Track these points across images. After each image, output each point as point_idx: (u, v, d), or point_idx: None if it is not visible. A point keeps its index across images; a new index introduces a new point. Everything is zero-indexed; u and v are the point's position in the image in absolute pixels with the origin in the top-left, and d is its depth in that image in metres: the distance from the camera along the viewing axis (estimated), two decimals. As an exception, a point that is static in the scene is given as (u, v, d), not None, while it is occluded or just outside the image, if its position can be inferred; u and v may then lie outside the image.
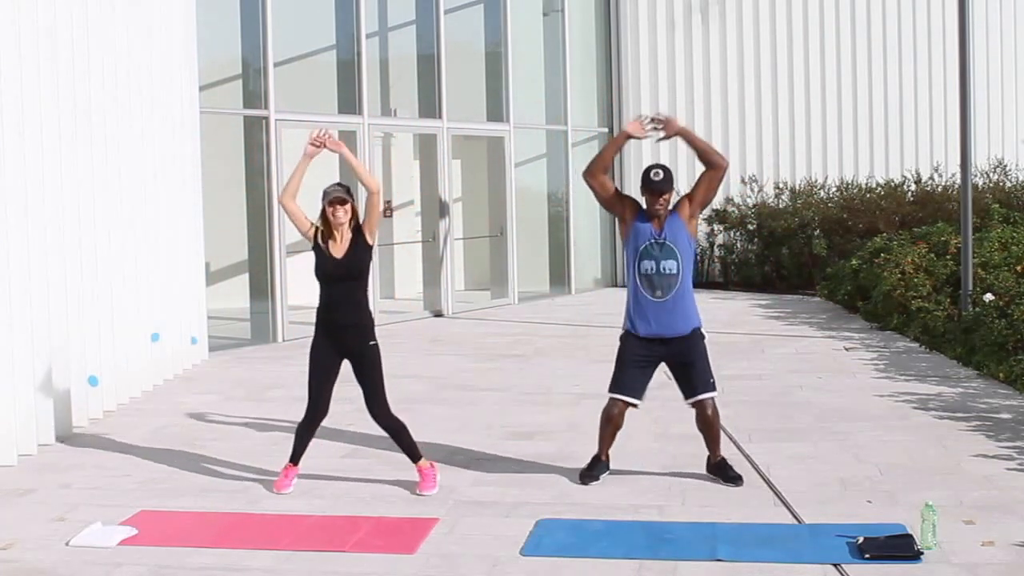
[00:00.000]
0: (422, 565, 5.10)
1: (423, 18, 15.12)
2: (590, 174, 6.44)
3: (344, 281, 6.31)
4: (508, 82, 16.02)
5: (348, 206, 6.28)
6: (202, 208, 11.02)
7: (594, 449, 6.50)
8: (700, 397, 6.28)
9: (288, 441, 7.48)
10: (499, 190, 16.10)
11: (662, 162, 6.28)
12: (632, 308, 6.30)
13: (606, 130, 18.10)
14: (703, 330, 6.37)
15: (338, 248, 6.31)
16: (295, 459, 6.48)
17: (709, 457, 6.46)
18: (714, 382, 6.35)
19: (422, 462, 6.41)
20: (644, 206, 6.27)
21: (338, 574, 5.02)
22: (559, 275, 17.23)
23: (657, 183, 6.14)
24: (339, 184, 6.46)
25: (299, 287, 12.54)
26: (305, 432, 6.47)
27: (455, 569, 5.04)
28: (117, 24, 9.11)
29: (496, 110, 16.10)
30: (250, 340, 12.32)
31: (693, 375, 6.28)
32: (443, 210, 14.91)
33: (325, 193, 6.35)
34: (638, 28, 17.94)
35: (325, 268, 6.32)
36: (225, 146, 12.79)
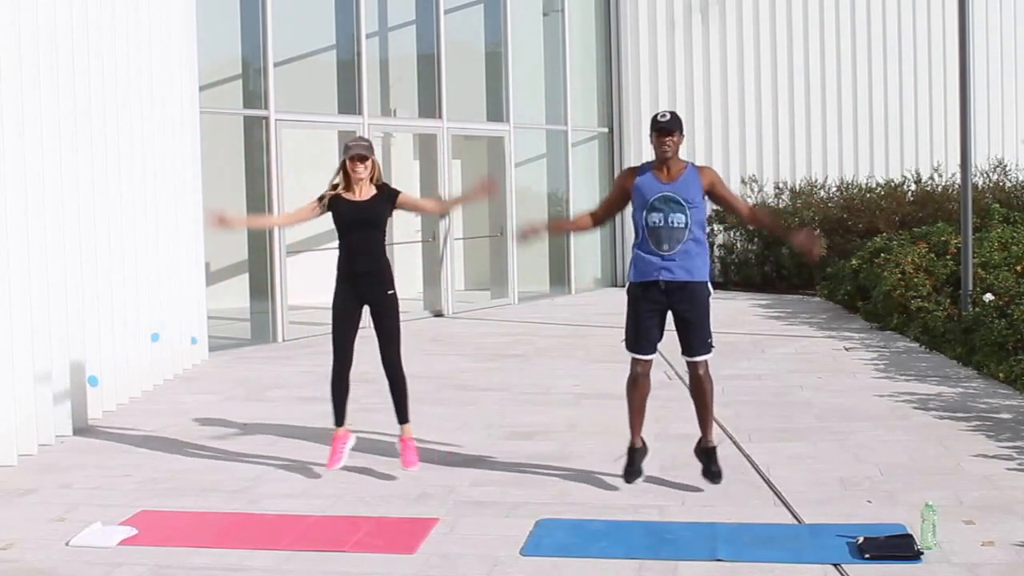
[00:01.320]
0: (422, 565, 5.10)
1: (423, 18, 15.13)
2: (595, 226, 6.65)
3: (363, 229, 6.39)
4: (508, 82, 16.03)
5: (368, 163, 6.39)
6: (202, 208, 11.01)
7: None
8: (696, 359, 6.23)
9: (288, 441, 7.52)
10: (499, 190, 16.08)
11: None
12: (637, 260, 6.21)
13: (606, 130, 18.11)
14: (711, 286, 6.28)
15: (358, 197, 6.40)
16: (339, 421, 6.57)
17: (700, 439, 6.39)
18: (711, 343, 6.26)
19: (407, 430, 6.55)
20: (644, 163, 6.27)
21: (338, 574, 5.02)
22: (559, 275, 17.24)
23: (664, 123, 6.10)
24: (361, 138, 6.57)
25: (299, 287, 12.58)
26: (338, 388, 6.54)
27: (455, 569, 5.04)
28: (117, 24, 9.11)
29: (496, 110, 16.11)
30: (250, 340, 12.33)
31: (692, 333, 6.19)
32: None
33: (347, 147, 6.42)
34: (638, 28, 17.94)
35: (346, 214, 6.39)
36: (225, 146, 12.79)
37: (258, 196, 12.39)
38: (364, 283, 6.43)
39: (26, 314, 7.29)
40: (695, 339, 6.21)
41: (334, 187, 6.46)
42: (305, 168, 13.07)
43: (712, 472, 6.29)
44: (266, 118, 12.28)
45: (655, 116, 6.18)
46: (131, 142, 9.30)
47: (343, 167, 6.41)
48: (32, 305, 7.37)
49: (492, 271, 16.32)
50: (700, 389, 6.29)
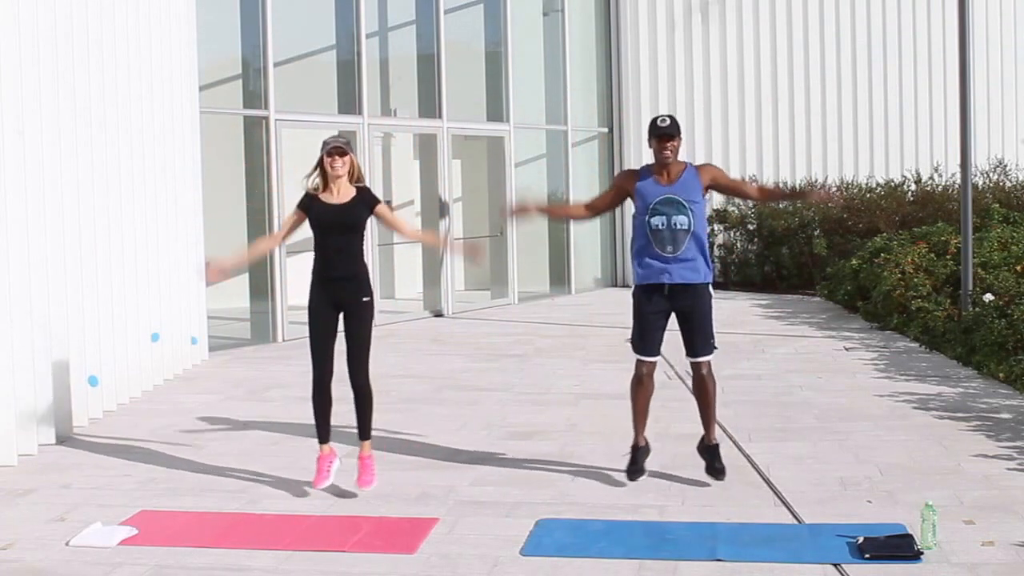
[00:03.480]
0: (422, 565, 5.10)
1: (423, 18, 15.13)
2: (589, 216, 6.75)
3: (341, 233, 6.19)
4: (508, 82, 16.03)
5: (347, 158, 6.19)
6: (202, 208, 11.02)
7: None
8: (699, 359, 6.29)
9: (288, 441, 7.52)
10: (499, 190, 16.10)
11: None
12: (640, 264, 6.24)
13: (606, 130, 18.11)
14: (711, 288, 6.31)
15: (335, 199, 6.22)
16: (324, 438, 6.30)
17: (704, 437, 6.43)
18: (714, 343, 6.33)
19: (367, 447, 6.29)
20: (644, 166, 6.28)
21: (338, 574, 5.02)
22: (559, 275, 17.24)
23: (665, 128, 6.12)
24: (339, 136, 6.37)
25: (299, 287, 12.54)
26: (320, 401, 6.27)
27: (455, 569, 5.04)
28: (117, 24, 9.11)
29: (496, 110, 16.11)
30: (250, 340, 12.33)
31: (695, 333, 6.25)
32: (443, 210, 14.92)
33: (324, 143, 6.24)
34: (638, 28, 17.94)
35: (322, 216, 6.19)
36: (225, 146, 12.79)
37: (258, 196, 12.40)
38: (340, 288, 6.20)
39: (26, 314, 7.29)
40: (698, 340, 6.26)
41: (314, 189, 6.26)
42: (305, 168, 13.04)
43: (716, 469, 6.33)
44: (266, 118, 12.28)
45: (654, 121, 6.19)
46: (131, 142, 9.30)
47: (320, 164, 6.22)
48: (32, 305, 7.37)
49: (492, 271, 16.32)
50: (703, 389, 6.36)
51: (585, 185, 17.57)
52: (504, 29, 16.06)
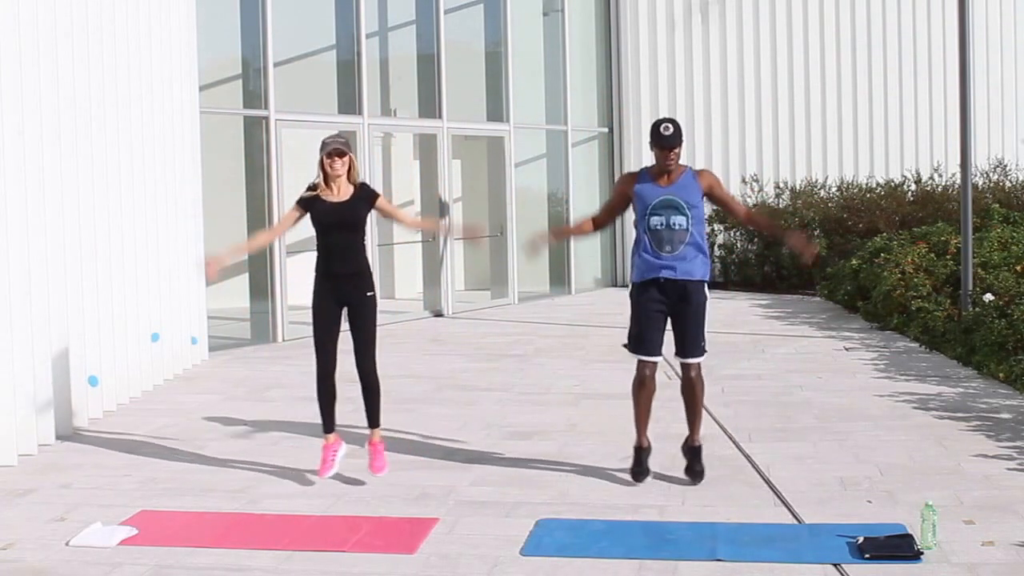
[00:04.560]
0: (422, 565, 5.10)
1: (423, 18, 15.12)
2: (597, 230, 6.68)
3: (342, 230, 6.30)
4: (508, 82, 16.02)
5: (346, 158, 6.29)
6: (202, 208, 11.02)
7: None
8: (688, 361, 6.30)
9: (288, 441, 7.52)
10: (499, 190, 16.10)
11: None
12: (637, 261, 6.27)
13: (606, 130, 18.11)
14: (707, 290, 6.31)
15: (335, 198, 6.32)
16: (328, 427, 6.46)
17: (688, 437, 6.43)
18: (704, 346, 6.33)
19: (377, 434, 6.48)
20: (643, 168, 6.29)
21: (338, 574, 5.02)
22: (559, 275, 17.23)
23: (668, 137, 6.11)
24: (338, 135, 6.46)
25: (299, 287, 12.55)
26: (324, 393, 6.42)
27: (455, 569, 5.04)
28: (117, 24, 9.10)
29: (496, 110, 16.11)
30: (250, 340, 12.33)
31: (686, 333, 6.25)
32: (443, 210, 14.92)
33: (323, 144, 6.33)
34: (638, 28, 17.94)
35: (322, 216, 6.30)
36: (225, 146, 12.79)
37: (258, 196, 12.39)
38: (343, 285, 6.33)
39: (26, 314, 7.29)
40: (689, 340, 6.27)
41: (312, 188, 6.36)
42: (305, 168, 13.05)
43: (695, 471, 6.36)
44: (266, 118, 12.28)
45: (656, 128, 6.16)
46: (131, 142, 9.30)
47: (321, 164, 6.32)
48: (32, 305, 7.37)
49: (492, 271, 16.32)
50: (691, 391, 6.38)
51: (585, 185, 17.57)
52: (504, 29, 16.06)
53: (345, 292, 6.34)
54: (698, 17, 17.90)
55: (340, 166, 6.27)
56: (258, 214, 12.36)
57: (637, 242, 6.30)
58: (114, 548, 5.37)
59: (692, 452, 6.42)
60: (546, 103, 17.27)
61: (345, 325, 6.41)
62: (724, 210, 6.55)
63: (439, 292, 14.83)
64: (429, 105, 14.94)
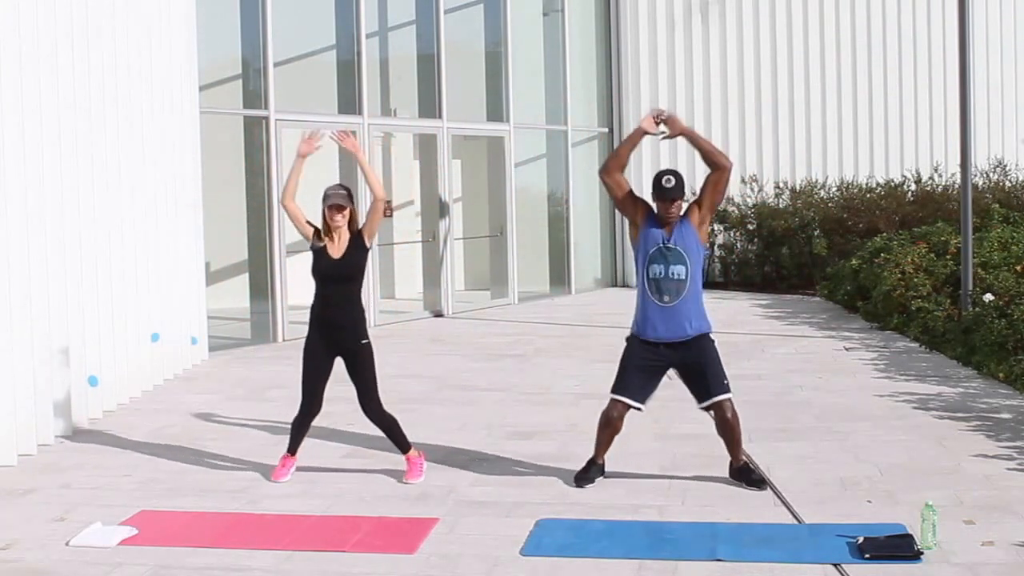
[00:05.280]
0: (422, 565, 5.10)
1: (423, 18, 15.12)
2: (607, 172, 6.36)
3: (340, 282, 6.46)
4: (508, 82, 16.02)
5: (346, 211, 6.42)
6: (202, 208, 11.02)
7: (593, 449, 6.48)
8: (717, 399, 6.19)
9: (287, 440, 7.52)
10: (499, 190, 16.10)
11: (670, 166, 6.24)
12: (640, 312, 6.26)
13: (606, 130, 18.10)
14: (712, 335, 6.31)
15: (335, 249, 6.45)
16: (292, 450, 6.68)
17: (731, 462, 6.36)
18: (728, 383, 6.26)
19: (411, 452, 6.62)
20: (656, 211, 6.22)
21: (338, 574, 5.02)
22: (559, 275, 17.23)
23: (669, 190, 6.10)
24: (340, 186, 6.54)
25: (299, 287, 12.55)
26: (300, 427, 6.66)
27: (455, 569, 5.04)
28: (117, 25, 9.11)
29: (496, 110, 16.11)
30: (250, 340, 12.33)
31: (706, 379, 6.20)
32: (443, 210, 14.92)
33: (325, 196, 6.45)
34: (638, 28, 17.94)
35: (322, 268, 6.47)
36: (225, 146, 12.79)
37: (258, 196, 12.40)
38: (337, 335, 6.47)
39: (26, 314, 7.29)
40: (712, 382, 6.19)
41: (319, 235, 6.45)
42: (305, 168, 13.04)
43: (754, 481, 6.26)
44: (266, 118, 12.28)
45: (659, 180, 6.09)
46: (131, 142, 9.30)
47: (323, 215, 6.43)
48: (32, 305, 7.37)
49: (492, 271, 16.32)
50: (730, 430, 6.27)
51: (585, 185, 17.57)
52: (504, 29, 16.06)
53: (339, 342, 6.48)
54: (698, 17, 17.90)
55: (340, 219, 6.41)
56: (258, 214, 12.36)
57: (638, 286, 6.28)
58: (114, 548, 5.37)
59: (741, 472, 6.32)
60: (546, 103, 17.27)
61: (344, 375, 6.52)
62: (716, 186, 6.23)
63: (439, 292, 14.83)
64: (429, 105, 14.94)
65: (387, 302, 15.34)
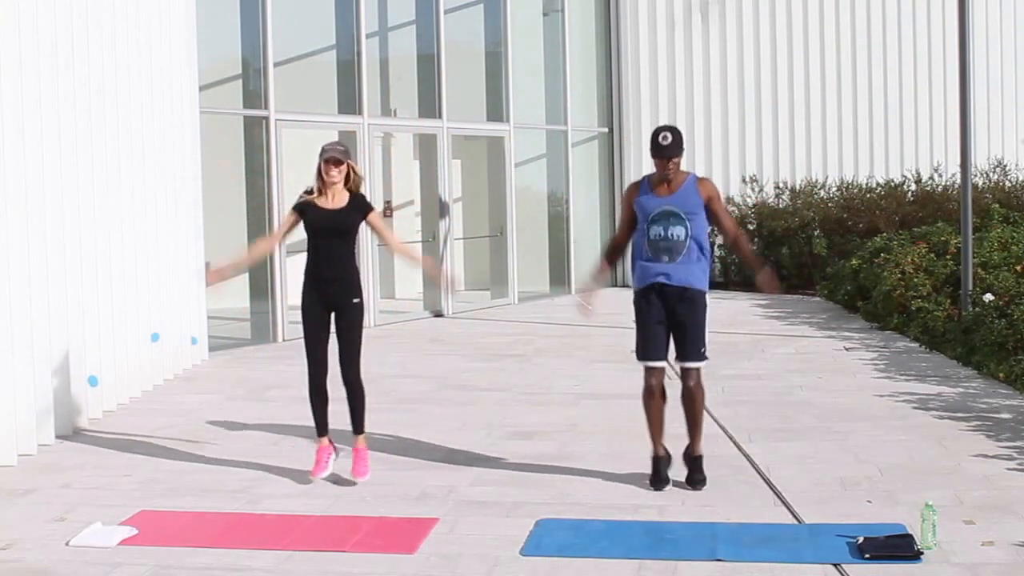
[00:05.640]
0: (422, 565, 5.10)
1: (423, 18, 15.12)
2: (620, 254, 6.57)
3: (332, 236, 6.37)
4: (508, 82, 16.02)
5: (343, 166, 6.36)
6: (202, 208, 11.02)
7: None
8: (687, 365, 6.23)
9: (288, 441, 7.52)
10: (499, 190, 16.10)
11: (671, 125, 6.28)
12: (638, 268, 6.25)
13: (606, 130, 18.11)
14: (708, 298, 6.28)
15: (329, 203, 6.39)
16: (321, 431, 6.53)
17: (689, 446, 6.35)
18: (705, 352, 6.26)
19: (361, 440, 6.49)
20: (645, 177, 6.26)
21: (338, 574, 5.02)
22: (559, 275, 17.23)
23: (666, 147, 6.07)
24: (338, 143, 6.53)
25: (299, 287, 12.56)
26: (316, 398, 6.50)
27: (455, 569, 5.04)
28: (117, 24, 9.10)
29: (496, 110, 16.11)
30: (250, 340, 12.32)
31: (687, 338, 6.19)
32: (443, 210, 14.92)
33: (323, 150, 6.40)
34: (638, 28, 17.94)
35: (315, 221, 6.38)
36: (225, 146, 12.79)
37: (258, 196, 12.40)
38: (331, 289, 6.40)
39: (26, 314, 7.29)
40: (689, 345, 6.21)
41: (308, 192, 6.43)
42: (305, 168, 13.05)
43: (695, 480, 6.28)
44: (266, 118, 12.28)
45: (656, 138, 6.12)
46: (131, 142, 9.30)
47: (318, 170, 6.39)
48: (32, 305, 7.37)
49: (492, 271, 16.32)
50: (691, 399, 6.28)
51: (585, 185, 17.58)
52: (504, 29, 16.06)
53: (332, 296, 6.40)
54: (698, 17, 17.89)
55: (336, 174, 6.34)
56: (258, 214, 12.36)
57: (637, 249, 6.28)
58: (114, 548, 5.37)
59: (692, 462, 6.34)
60: (546, 103, 17.26)
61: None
62: (714, 224, 6.42)
63: (439, 292, 14.83)
64: (429, 105, 14.94)
65: (387, 302, 15.33)
